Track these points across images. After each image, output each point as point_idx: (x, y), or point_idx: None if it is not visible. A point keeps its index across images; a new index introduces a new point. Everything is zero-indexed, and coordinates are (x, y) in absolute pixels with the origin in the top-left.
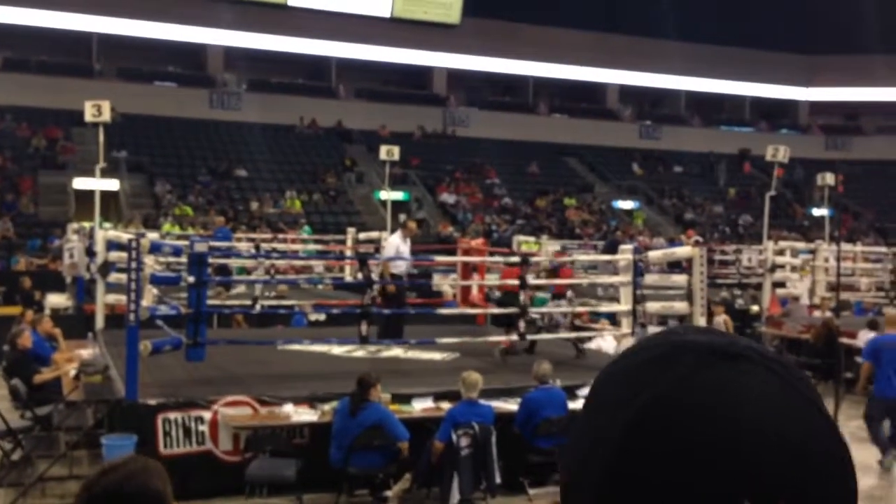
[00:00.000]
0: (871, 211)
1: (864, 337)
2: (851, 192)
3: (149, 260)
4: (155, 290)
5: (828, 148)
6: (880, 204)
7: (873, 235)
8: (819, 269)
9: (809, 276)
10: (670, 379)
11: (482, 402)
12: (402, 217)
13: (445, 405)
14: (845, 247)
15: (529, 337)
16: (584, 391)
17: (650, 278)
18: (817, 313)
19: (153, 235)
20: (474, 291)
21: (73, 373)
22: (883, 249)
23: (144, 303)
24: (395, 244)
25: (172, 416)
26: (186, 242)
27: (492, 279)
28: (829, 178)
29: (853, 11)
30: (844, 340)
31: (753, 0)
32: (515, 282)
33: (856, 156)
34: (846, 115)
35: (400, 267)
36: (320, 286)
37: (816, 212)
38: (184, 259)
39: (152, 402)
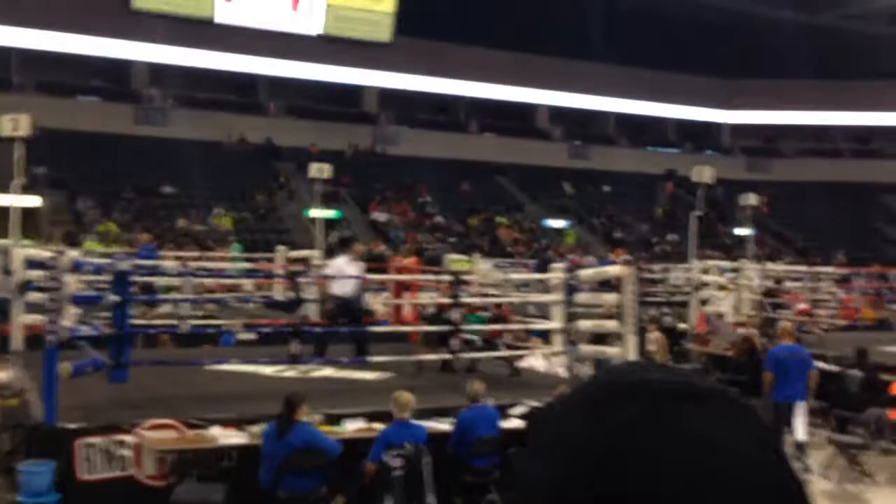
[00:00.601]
0: (791, 231)
1: None
2: (772, 213)
3: (70, 278)
4: (75, 310)
5: (749, 169)
6: (800, 224)
7: (793, 255)
8: (743, 287)
9: (734, 294)
10: (630, 415)
11: (414, 422)
12: (334, 236)
13: (378, 426)
14: (768, 265)
15: (463, 355)
16: (517, 409)
17: (582, 297)
18: (742, 330)
19: (74, 253)
20: (407, 310)
21: None
22: (804, 268)
23: (65, 323)
24: (340, 266)
25: (93, 440)
26: (109, 260)
27: (424, 297)
28: (752, 199)
29: (772, 38)
30: None
31: (675, 25)
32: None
33: (776, 177)
34: (766, 138)
35: (344, 287)
36: (250, 304)
37: (739, 231)
38: (107, 277)
39: (72, 426)
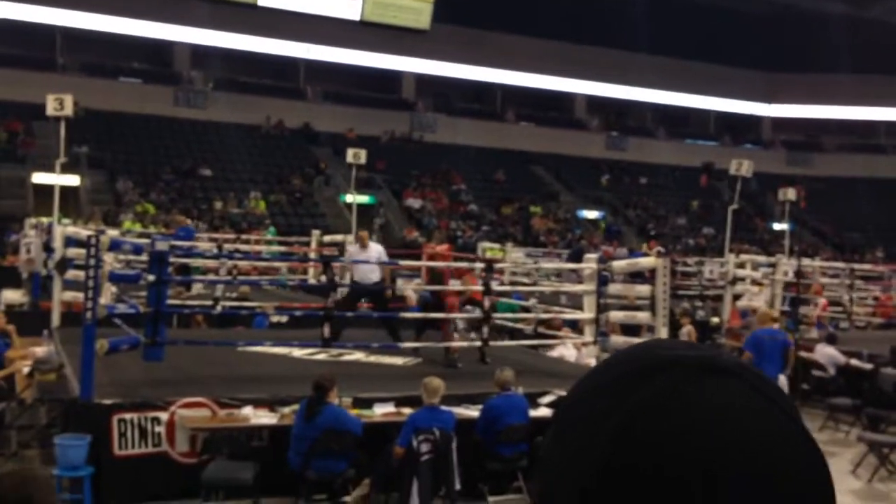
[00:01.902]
0: (829, 227)
1: (822, 351)
2: (811, 208)
3: (108, 257)
4: (114, 288)
5: (789, 163)
6: (839, 220)
7: (831, 251)
8: (778, 283)
9: (769, 289)
10: (657, 389)
11: (443, 408)
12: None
13: (407, 410)
14: (804, 261)
15: (496, 343)
16: (546, 398)
17: (614, 287)
18: (776, 326)
19: (113, 232)
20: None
21: (26, 370)
22: (840, 265)
23: (102, 301)
24: (350, 253)
25: (128, 416)
26: (147, 241)
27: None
28: (790, 194)
29: (814, 31)
30: (802, 354)
31: (718, 17)
32: (478, 287)
33: (816, 172)
34: (807, 132)
35: (358, 273)
36: (285, 288)
37: (777, 226)
38: (144, 257)
39: (107, 401)
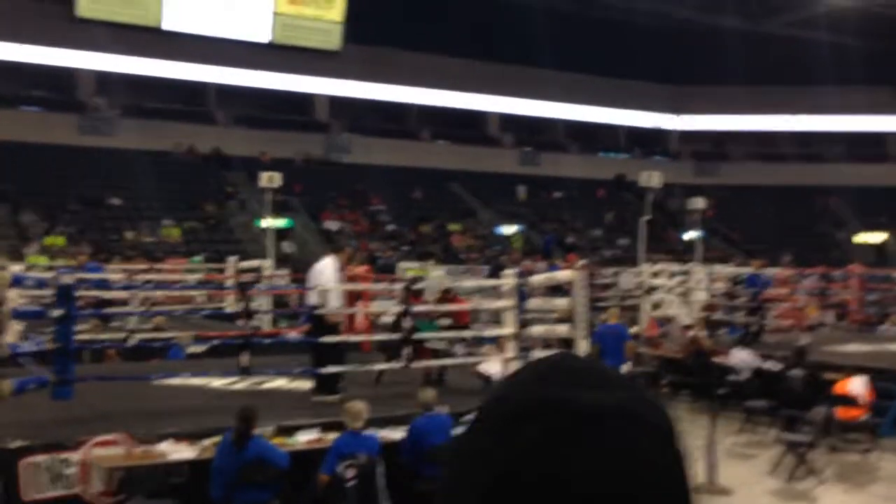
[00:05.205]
0: (738, 234)
1: (736, 355)
2: (720, 216)
3: (12, 294)
4: (18, 326)
5: (697, 174)
6: (746, 227)
7: (741, 257)
8: (692, 291)
9: (683, 298)
10: (526, 443)
11: (366, 432)
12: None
13: (331, 436)
14: (716, 268)
15: (429, 363)
16: (470, 417)
17: (534, 302)
18: (690, 333)
19: (18, 267)
20: (359, 319)
21: None
22: (750, 270)
23: (7, 339)
24: (334, 270)
25: (37, 458)
26: (52, 274)
27: (375, 306)
28: (699, 203)
29: (713, 45)
30: (717, 359)
31: (624, 32)
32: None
33: (723, 181)
34: (714, 143)
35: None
36: (200, 317)
37: (687, 235)
38: (51, 292)
39: (14, 444)
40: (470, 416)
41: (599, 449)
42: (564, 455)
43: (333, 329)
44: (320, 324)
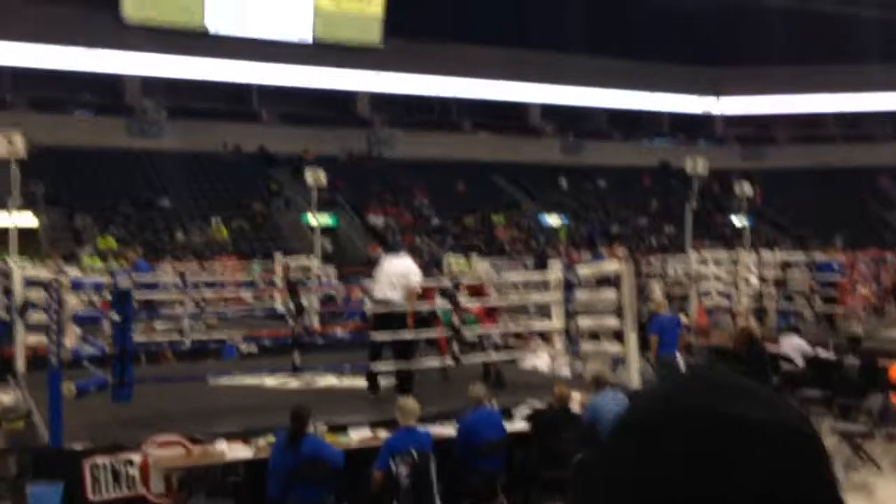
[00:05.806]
0: (786, 219)
1: (787, 342)
2: (768, 201)
3: (71, 298)
4: (78, 330)
5: (744, 158)
6: (794, 212)
7: (790, 242)
8: (741, 278)
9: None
10: (678, 454)
11: (419, 428)
12: (324, 243)
13: (383, 433)
14: (764, 254)
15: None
16: (521, 410)
17: (581, 294)
18: (741, 321)
19: (74, 272)
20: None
21: None
22: (801, 256)
23: (67, 343)
24: (419, 268)
25: (100, 460)
26: (108, 279)
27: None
28: (745, 188)
29: (758, 23)
30: (768, 346)
31: (656, 15)
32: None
33: (770, 165)
34: (759, 126)
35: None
36: (252, 316)
37: (736, 221)
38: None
39: (78, 447)
40: (522, 410)
41: (760, 460)
42: (722, 468)
43: (404, 325)
44: (390, 319)
